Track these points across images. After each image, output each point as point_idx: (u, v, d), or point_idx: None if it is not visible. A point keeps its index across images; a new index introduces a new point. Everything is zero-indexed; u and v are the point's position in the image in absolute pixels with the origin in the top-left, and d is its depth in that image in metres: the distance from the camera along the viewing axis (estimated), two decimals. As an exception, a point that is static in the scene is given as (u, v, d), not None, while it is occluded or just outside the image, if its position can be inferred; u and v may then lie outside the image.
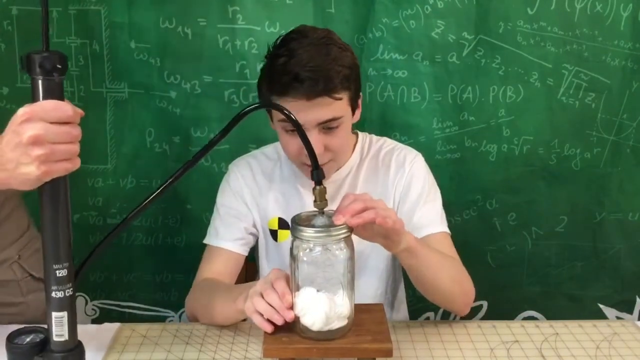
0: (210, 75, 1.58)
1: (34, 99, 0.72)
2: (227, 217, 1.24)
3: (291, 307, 0.87)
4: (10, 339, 0.79)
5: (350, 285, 0.88)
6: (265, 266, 1.28)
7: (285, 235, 1.24)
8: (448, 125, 1.64)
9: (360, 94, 1.16)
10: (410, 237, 0.98)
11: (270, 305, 0.88)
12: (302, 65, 1.03)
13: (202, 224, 1.66)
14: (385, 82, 1.60)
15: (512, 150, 1.66)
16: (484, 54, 1.60)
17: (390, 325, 0.92)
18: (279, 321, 0.86)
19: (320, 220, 0.87)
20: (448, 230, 1.19)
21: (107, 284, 1.69)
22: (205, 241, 1.26)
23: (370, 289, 1.23)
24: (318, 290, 0.86)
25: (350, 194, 0.92)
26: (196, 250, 1.68)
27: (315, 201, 0.88)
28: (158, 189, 0.83)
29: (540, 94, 1.62)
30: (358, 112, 1.17)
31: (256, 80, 1.56)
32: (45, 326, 0.78)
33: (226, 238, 1.22)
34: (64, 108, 0.72)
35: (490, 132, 1.65)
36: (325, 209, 0.88)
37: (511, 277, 1.75)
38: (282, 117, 1.03)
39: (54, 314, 0.74)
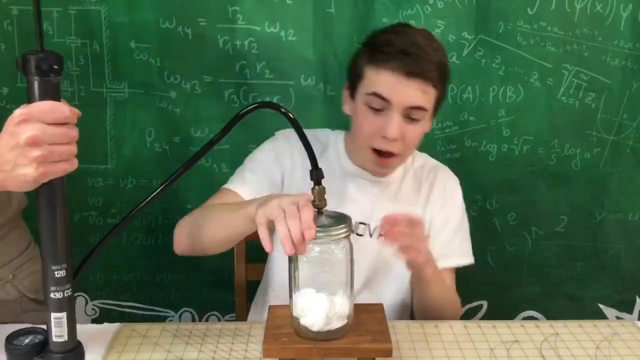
0: (210, 75, 1.58)
1: (30, 99, 0.72)
2: (258, 171, 1.22)
3: (312, 239, 0.82)
4: (9, 339, 0.79)
5: (350, 285, 0.88)
6: (276, 254, 1.25)
7: None
8: (448, 125, 1.64)
9: (440, 108, 1.18)
10: (429, 268, 1.04)
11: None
12: (409, 43, 1.06)
13: (202, 224, 1.66)
14: (385, 82, 1.60)
15: (512, 150, 1.66)
16: (484, 54, 1.60)
17: (390, 325, 0.92)
18: (290, 250, 0.82)
19: (319, 220, 0.87)
20: (471, 260, 1.25)
21: (107, 284, 1.69)
22: (224, 186, 1.22)
23: (392, 296, 1.24)
24: (318, 291, 0.86)
25: (392, 217, 0.97)
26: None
27: (314, 201, 0.87)
28: (158, 188, 0.83)
29: (540, 94, 1.63)
30: (430, 123, 1.18)
31: (256, 80, 1.58)
32: (44, 327, 0.78)
33: (250, 187, 1.18)
34: (61, 109, 0.72)
35: (490, 132, 1.65)
36: (324, 209, 0.88)
37: (511, 277, 1.75)
38: (371, 91, 1.08)
39: (53, 315, 0.74)
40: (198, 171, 1.62)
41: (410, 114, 1.09)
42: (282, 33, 1.56)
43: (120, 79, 1.57)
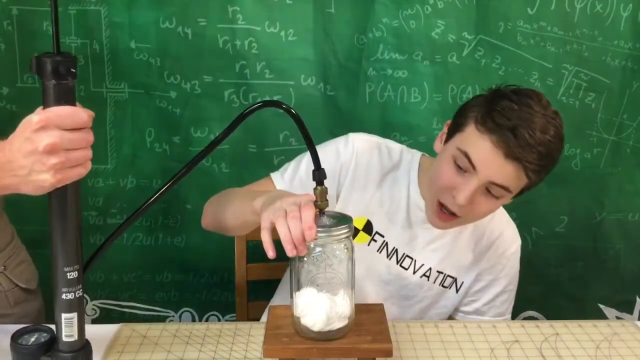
0: (210, 75, 1.58)
1: (45, 103, 0.71)
2: (310, 168, 1.19)
3: (312, 239, 0.81)
4: (15, 338, 0.79)
5: (351, 285, 0.88)
6: None
7: (363, 238, 1.17)
8: (448, 125, 1.64)
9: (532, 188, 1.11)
10: None
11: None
12: (526, 124, 0.98)
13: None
14: (385, 82, 1.60)
15: (512, 150, 1.66)
16: (484, 54, 1.60)
17: (390, 325, 0.92)
18: (291, 251, 0.81)
19: (321, 221, 0.87)
20: (508, 319, 1.24)
21: (107, 284, 1.69)
22: (272, 174, 1.19)
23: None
24: (319, 291, 0.86)
25: None
26: (196, 251, 1.69)
27: (315, 201, 0.87)
28: (162, 187, 0.83)
29: (540, 94, 1.62)
30: (512, 196, 1.09)
31: (256, 81, 1.58)
32: (49, 325, 0.78)
33: (292, 183, 1.14)
34: (80, 114, 0.71)
35: (490, 132, 1.65)
36: (325, 210, 0.88)
37: (511, 277, 1.74)
38: (464, 149, 1.02)
39: (64, 316, 0.74)
40: (198, 171, 1.61)
41: (491, 189, 1.03)
42: (282, 33, 1.56)
43: (120, 79, 1.57)
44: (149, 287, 1.71)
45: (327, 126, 1.59)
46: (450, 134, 1.09)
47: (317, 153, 0.87)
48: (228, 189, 1.19)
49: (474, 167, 1.02)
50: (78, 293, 0.74)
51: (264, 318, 1.35)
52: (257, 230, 1.33)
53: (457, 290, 1.21)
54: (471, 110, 1.06)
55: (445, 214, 1.08)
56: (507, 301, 1.25)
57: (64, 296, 0.74)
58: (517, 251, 1.24)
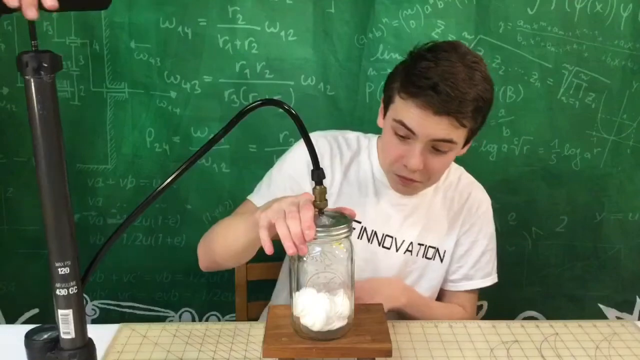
0: (210, 75, 1.58)
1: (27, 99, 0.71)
2: (281, 183, 1.20)
3: (312, 239, 0.82)
4: (29, 335, 0.80)
5: (351, 285, 0.88)
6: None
7: None
8: (448, 125, 1.64)
9: (479, 132, 1.13)
10: (400, 301, 1.08)
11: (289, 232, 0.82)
12: (445, 78, 1.00)
13: (202, 224, 1.66)
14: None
15: (512, 150, 1.66)
16: (484, 54, 1.60)
17: (390, 325, 0.92)
18: (291, 250, 0.81)
19: (320, 221, 0.87)
20: (495, 279, 1.26)
21: (107, 284, 1.69)
22: (248, 197, 1.23)
23: None
24: (318, 291, 0.86)
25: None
26: (196, 251, 1.68)
27: (314, 201, 0.87)
28: (163, 183, 0.83)
29: (540, 94, 1.63)
30: (467, 147, 1.14)
31: (256, 80, 1.58)
32: None
33: (270, 196, 1.14)
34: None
35: (490, 132, 1.65)
36: (325, 209, 0.88)
37: (511, 277, 1.74)
38: (398, 118, 1.05)
39: (60, 312, 0.75)
40: (198, 171, 1.62)
41: (437, 146, 1.06)
42: (282, 33, 1.56)
43: (120, 79, 1.57)
44: (149, 287, 1.71)
45: (327, 126, 1.58)
46: (386, 108, 1.12)
47: (315, 152, 0.87)
48: (212, 227, 1.18)
49: (412, 132, 1.05)
50: (72, 289, 0.74)
51: (262, 318, 1.35)
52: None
53: (441, 260, 1.23)
54: (394, 80, 1.09)
55: (406, 180, 1.12)
56: (491, 261, 1.27)
57: (57, 292, 0.74)
58: (489, 209, 1.27)
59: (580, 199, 1.69)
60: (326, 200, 0.88)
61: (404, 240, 1.21)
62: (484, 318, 1.76)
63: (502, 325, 1.10)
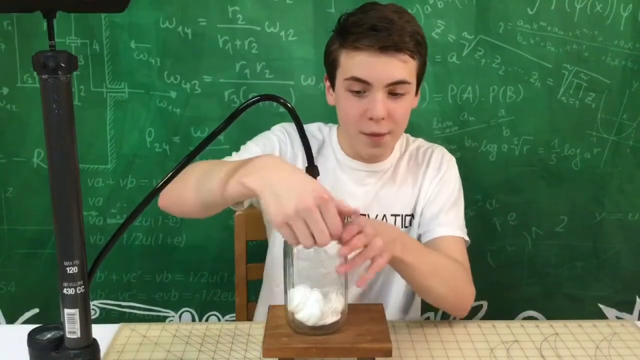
0: (210, 75, 1.58)
1: (42, 98, 0.71)
2: (261, 145, 1.19)
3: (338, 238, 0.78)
4: (32, 334, 0.80)
5: (344, 280, 0.88)
6: (277, 252, 1.25)
7: None
8: (448, 125, 1.64)
9: (423, 80, 1.15)
10: (397, 249, 0.94)
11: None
12: (378, 19, 1.04)
13: (202, 224, 1.66)
14: (385, 82, 1.60)
15: (512, 150, 1.66)
16: (484, 54, 1.60)
17: (390, 325, 0.92)
18: (309, 245, 0.77)
19: None
20: (466, 238, 1.19)
21: (107, 284, 1.70)
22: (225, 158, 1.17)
23: (398, 290, 1.23)
24: (312, 287, 0.87)
25: (356, 225, 0.83)
26: (196, 251, 1.69)
27: None
28: (165, 177, 0.82)
29: (540, 94, 1.63)
30: (417, 98, 1.16)
31: (256, 80, 1.58)
32: None
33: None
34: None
35: (490, 132, 1.65)
36: None
37: (511, 277, 1.75)
38: (349, 75, 1.06)
39: (66, 311, 0.75)
40: (198, 171, 1.62)
41: (393, 90, 1.07)
42: (282, 33, 1.56)
43: (120, 79, 1.57)
44: (149, 287, 1.71)
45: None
46: (332, 80, 1.14)
47: (310, 148, 0.87)
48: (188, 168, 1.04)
49: (367, 82, 1.06)
50: (79, 289, 0.75)
51: (257, 317, 1.35)
52: (258, 230, 1.34)
53: (419, 225, 1.22)
54: (332, 46, 1.12)
55: (375, 137, 1.11)
56: (460, 217, 1.22)
57: (64, 291, 0.74)
58: (453, 163, 1.26)
59: (580, 199, 1.69)
60: None
61: (377, 215, 1.20)
62: (484, 318, 1.76)
63: (502, 325, 1.10)
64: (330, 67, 1.13)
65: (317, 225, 0.76)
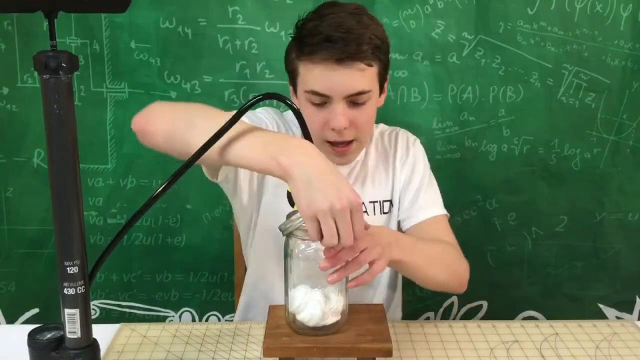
0: (210, 75, 1.58)
1: (43, 98, 0.71)
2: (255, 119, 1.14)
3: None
4: (32, 334, 0.80)
5: (344, 280, 0.88)
6: (252, 253, 1.22)
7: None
8: (448, 125, 1.64)
9: (388, 76, 1.12)
10: (394, 253, 0.93)
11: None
12: (334, 27, 1.00)
13: (202, 224, 1.66)
14: (385, 82, 1.60)
15: (512, 150, 1.66)
16: (484, 54, 1.60)
17: (390, 325, 0.92)
18: (332, 244, 0.77)
19: None
20: (446, 212, 1.19)
21: (107, 284, 1.70)
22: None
23: (383, 282, 1.22)
24: (313, 287, 0.87)
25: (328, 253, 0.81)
26: (196, 251, 1.69)
27: None
28: (166, 181, 0.82)
29: (540, 94, 1.63)
30: (383, 96, 1.14)
31: (256, 80, 1.58)
32: None
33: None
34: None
35: (490, 132, 1.65)
36: None
37: (511, 277, 1.75)
38: (308, 88, 1.04)
39: (67, 311, 0.75)
40: (198, 171, 1.61)
41: (354, 100, 1.04)
42: (282, 33, 1.56)
43: (120, 79, 1.57)
44: (149, 287, 1.71)
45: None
46: (294, 88, 1.11)
47: (308, 130, 0.86)
48: (189, 105, 0.98)
49: (325, 95, 1.04)
50: (80, 289, 0.75)
51: (237, 317, 1.32)
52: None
53: (398, 209, 1.21)
54: (290, 54, 1.08)
55: (340, 147, 1.09)
56: (435, 192, 1.21)
57: (65, 291, 0.74)
58: (418, 143, 1.25)
59: (580, 199, 1.69)
60: None
61: None
62: (484, 318, 1.76)
63: (502, 325, 1.10)
64: (290, 75, 1.11)
65: (346, 226, 0.76)
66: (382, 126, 1.27)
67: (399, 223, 1.22)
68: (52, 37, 0.69)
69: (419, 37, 1.58)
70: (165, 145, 0.93)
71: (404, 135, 1.25)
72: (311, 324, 0.86)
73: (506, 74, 1.61)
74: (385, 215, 1.21)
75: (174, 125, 0.91)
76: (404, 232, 1.20)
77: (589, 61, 1.61)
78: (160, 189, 0.80)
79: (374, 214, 1.20)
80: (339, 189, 0.76)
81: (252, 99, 0.82)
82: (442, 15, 1.57)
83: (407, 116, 1.62)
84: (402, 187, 1.21)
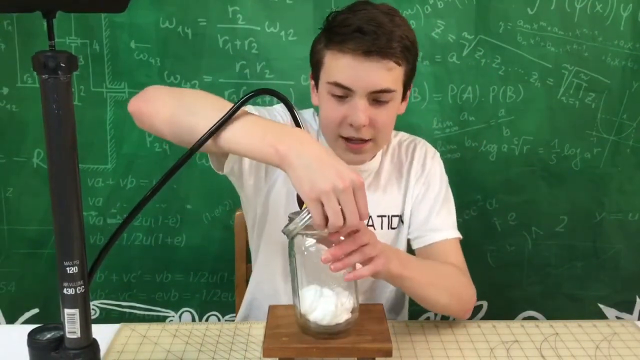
0: (210, 75, 1.58)
1: (42, 98, 0.71)
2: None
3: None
4: (32, 334, 0.80)
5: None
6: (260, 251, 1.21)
7: None
8: (448, 125, 1.64)
9: (412, 84, 1.10)
10: (394, 265, 0.92)
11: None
12: (366, 21, 0.98)
13: (202, 224, 1.66)
14: (385, 82, 1.60)
15: (512, 150, 1.66)
16: (484, 54, 1.60)
17: (390, 325, 0.92)
18: (339, 224, 0.76)
19: None
20: (459, 235, 1.16)
21: (107, 284, 1.70)
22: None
23: (389, 288, 1.21)
24: (322, 286, 0.86)
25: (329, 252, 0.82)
26: (196, 251, 1.69)
27: None
28: (164, 177, 0.83)
29: (540, 94, 1.63)
30: (405, 104, 1.11)
31: (256, 81, 1.58)
32: None
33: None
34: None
35: (490, 132, 1.65)
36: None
37: (511, 277, 1.75)
38: (332, 79, 1.01)
39: (66, 311, 0.75)
40: (198, 171, 1.62)
41: (377, 97, 1.02)
42: (282, 33, 1.56)
43: (120, 79, 1.57)
44: (149, 287, 1.71)
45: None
46: (316, 80, 1.09)
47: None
48: (189, 91, 1.00)
49: (349, 88, 1.01)
50: (79, 289, 0.75)
51: (238, 317, 1.32)
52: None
53: (409, 229, 1.18)
54: (318, 44, 1.06)
55: (355, 143, 1.06)
56: (451, 214, 1.18)
57: (64, 291, 0.74)
58: (437, 158, 1.21)
59: (580, 199, 1.69)
60: None
61: None
62: (484, 318, 1.76)
63: (502, 325, 1.10)
64: (315, 67, 1.09)
65: (351, 205, 0.76)
66: (401, 134, 1.24)
67: (408, 241, 1.19)
68: (51, 37, 0.69)
69: (419, 37, 1.54)
70: (166, 129, 0.92)
71: (422, 147, 1.21)
72: (324, 322, 0.85)
73: (506, 74, 1.61)
74: (393, 230, 1.18)
75: (175, 109, 0.90)
76: (414, 251, 1.17)
77: (589, 61, 1.61)
78: (156, 185, 0.80)
79: (381, 229, 1.17)
80: (338, 170, 0.76)
81: (244, 96, 0.82)
82: (442, 15, 1.57)
83: (407, 116, 1.60)
84: (414, 204, 1.17)
